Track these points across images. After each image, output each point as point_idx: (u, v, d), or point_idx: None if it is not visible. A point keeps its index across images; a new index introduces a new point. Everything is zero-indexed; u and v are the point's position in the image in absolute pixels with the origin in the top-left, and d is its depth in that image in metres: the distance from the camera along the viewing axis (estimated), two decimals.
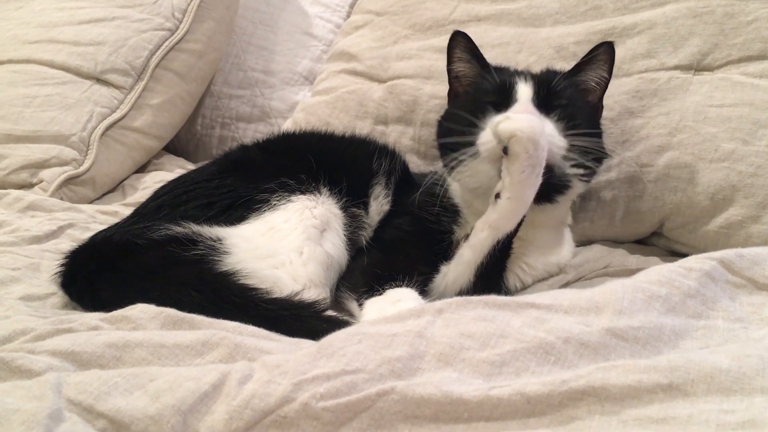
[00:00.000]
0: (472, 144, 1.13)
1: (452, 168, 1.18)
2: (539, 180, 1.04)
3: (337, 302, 1.13)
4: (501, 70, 1.24)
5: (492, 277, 1.11)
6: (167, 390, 0.66)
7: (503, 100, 1.16)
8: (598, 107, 1.25)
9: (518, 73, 1.22)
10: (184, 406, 0.65)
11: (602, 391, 0.61)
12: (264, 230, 1.08)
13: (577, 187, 1.19)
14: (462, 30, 1.29)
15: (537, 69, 1.42)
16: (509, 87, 1.17)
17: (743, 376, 0.62)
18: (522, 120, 1.02)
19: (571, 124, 1.13)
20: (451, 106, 1.31)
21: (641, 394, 0.61)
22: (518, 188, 1.04)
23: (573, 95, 1.18)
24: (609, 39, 1.39)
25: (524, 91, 1.16)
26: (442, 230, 1.20)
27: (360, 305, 1.06)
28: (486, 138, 1.11)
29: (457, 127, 1.17)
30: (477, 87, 1.24)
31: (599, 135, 1.22)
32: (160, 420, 0.63)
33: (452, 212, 1.21)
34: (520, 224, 1.08)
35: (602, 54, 1.21)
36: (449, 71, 1.30)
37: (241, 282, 0.98)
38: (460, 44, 1.27)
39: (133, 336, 0.79)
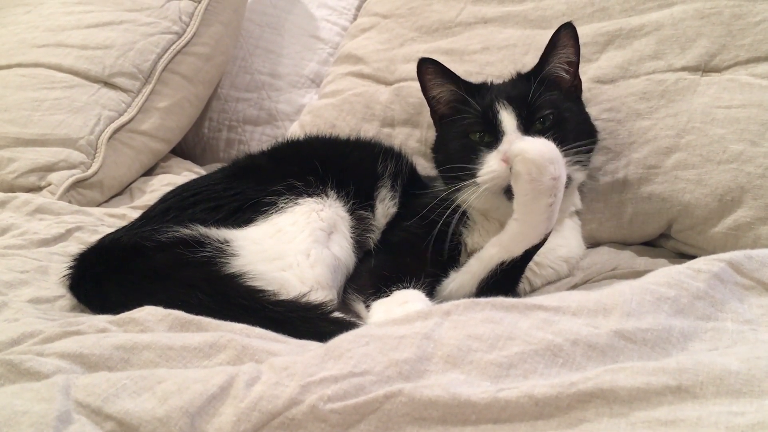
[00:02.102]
0: (472, 176, 1.16)
1: (457, 191, 1.20)
2: (554, 211, 1.04)
3: (344, 304, 1.13)
4: (479, 91, 1.25)
5: (493, 294, 1.11)
6: (175, 392, 0.66)
7: (490, 132, 1.18)
8: (576, 87, 1.28)
9: (496, 95, 1.21)
10: (192, 408, 0.65)
11: (610, 393, 0.61)
12: (271, 233, 1.08)
13: (578, 178, 1.22)
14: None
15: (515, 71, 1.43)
16: (493, 117, 1.18)
17: (753, 378, 0.62)
18: (530, 148, 1.03)
19: (561, 133, 1.14)
20: (439, 131, 1.34)
21: (650, 397, 0.61)
22: (526, 213, 1.05)
23: (552, 99, 1.20)
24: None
25: (508, 119, 1.17)
26: (451, 233, 1.20)
27: (367, 306, 1.06)
28: (485, 174, 1.14)
29: (452, 165, 1.20)
30: (459, 111, 1.25)
31: (586, 120, 1.25)
32: (168, 422, 0.63)
33: (461, 216, 1.21)
34: (535, 250, 1.08)
35: (563, 38, 1.23)
36: (427, 98, 1.33)
37: (248, 284, 0.99)
38: (429, 70, 1.30)
39: (141, 338, 0.79)
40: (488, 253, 1.10)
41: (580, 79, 1.28)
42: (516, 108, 1.17)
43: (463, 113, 1.23)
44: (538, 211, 1.04)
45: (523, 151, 1.02)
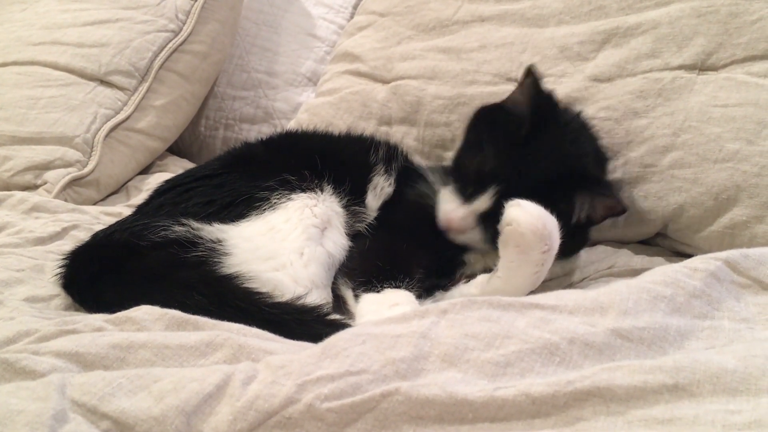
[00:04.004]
0: None
1: None
2: (540, 277, 1.02)
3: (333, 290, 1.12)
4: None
5: None
6: (171, 391, 0.66)
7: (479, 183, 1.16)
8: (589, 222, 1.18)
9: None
10: (188, 407, 0.65)
11: (607, 391, 0.61)
12: (264, 230, 1.08)
13: None
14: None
15: (540, 69, 1.43)
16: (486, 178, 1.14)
17: (749, 377, 0.62)
18: (523, 220, 0.97)
19: None
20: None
21: (647, 395, 0.61)
22: (510, 277, 1.02)
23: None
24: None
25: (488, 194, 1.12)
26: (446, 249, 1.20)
27: (356, 296, 1.06)
28: (440, 212, 1.16)
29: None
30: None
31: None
32: (164, 421, 0.63)
33: None
34: None
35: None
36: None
37: (244, 285, 0.98)
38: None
39: (137, 337, 0.79)
40: (471, 293, 1.09)
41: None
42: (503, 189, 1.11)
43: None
44: (523, 277, 1.01)
45: (516, 223, 0.97)
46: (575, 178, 1.12)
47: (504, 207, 1.00)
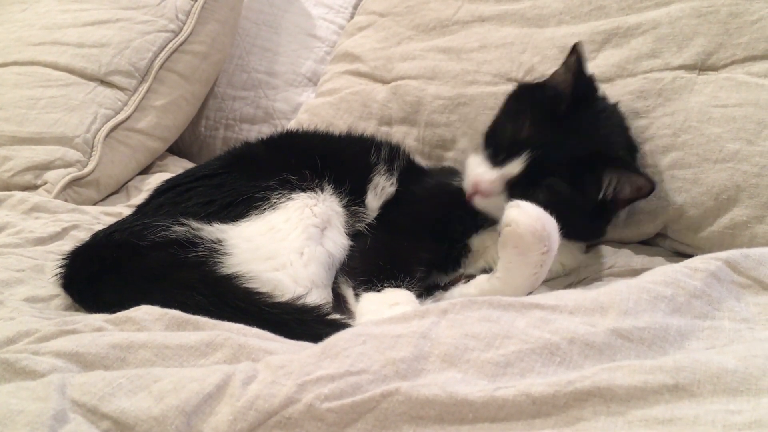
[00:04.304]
0: None
1: None
2: (539, 278, 1.02)
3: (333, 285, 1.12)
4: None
5: None
6: (171, 391, 0.66)
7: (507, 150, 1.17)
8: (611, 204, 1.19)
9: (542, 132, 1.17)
10: (188, 407, 0.65)
11: (608, 391, 0.61)
12: (264, 230, 1.08)
13: None
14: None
15: (540, 69, 1.43)
16: (517, 147, 1.15)
17: (750, 377, 0.62)
18: (522, 221, 0.97)
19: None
20: None
21: (647, 395, 0.61)
22: (509, 277, 1.02)
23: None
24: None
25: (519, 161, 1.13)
26: (454, 227, 1.20)
27: (356, 295, 1.06)
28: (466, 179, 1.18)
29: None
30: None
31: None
32: (164, 421, 0.63)
33: (472, 213, 1.19)
34: None
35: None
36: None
37: (244, 286, 0.98)
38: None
39: (137, 337, 0.79)
40: (470, 293, 1.08)
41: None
42: (536, 157, 1.11)
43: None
44: (522, 278, 1.01)
45: (515, 224, 0.97)
46: (606, 158, 1.14)
47: (539, 176, 1.03)
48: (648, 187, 1.12)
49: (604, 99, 1.25)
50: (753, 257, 0.82)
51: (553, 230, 0.99)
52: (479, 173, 1.16)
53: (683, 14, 1.33)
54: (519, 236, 0.97)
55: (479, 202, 1.17)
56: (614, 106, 1.25)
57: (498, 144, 1.17)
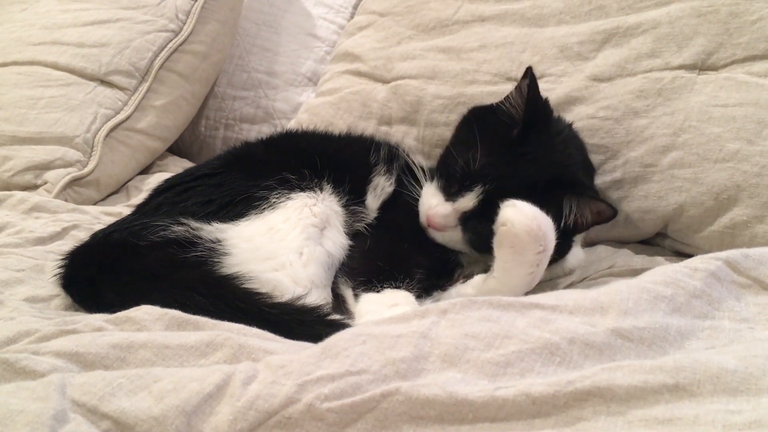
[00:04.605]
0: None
1: None
2: (536, 278, 1.01)
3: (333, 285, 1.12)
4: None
5: None
6: (171, 391, 0.66)
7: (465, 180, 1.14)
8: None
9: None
10: (188, 407, 0.65)
11: (608, 391, 0.61)
12: (263, 230, 1.08)
13: None
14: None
15: (540, 69, 1.43)
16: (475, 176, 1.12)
17: (750, 377, 0.62)
18: (518, 220, 0.97)
19: None
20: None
21: (647, 395, 0.61)
22: (505, 277, 1.01)
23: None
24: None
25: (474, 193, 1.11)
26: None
27: (356, 295, 1.06)
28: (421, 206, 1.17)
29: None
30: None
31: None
32: (164, 421, 0.63)
33: None
34: None
35: None
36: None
37: (245, 286, 0.98)
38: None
39: (137, 337, 0.79)
40: (468, 292, 1.08)
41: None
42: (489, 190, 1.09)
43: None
44: (518, 278, 1.00)
45: (511, 223, 0.96)
46: (563, 183, 1.12)
47: (493, 207, 1.00)
48: (609, 213, 1.10)
49: (559, 120, 1.23)
50: (753, 257, 0.82)
51: (549, 230, 0.98)
52: (432, 205, 1.15)
53: (683, 14, 1.33)
54: (515, 236, 0.97)
55: (434, 235, 1.16)
56: (569, 126, 1.23)
57: (450, 175, 1.15)
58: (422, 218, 1.17)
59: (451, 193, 1.14)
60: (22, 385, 0.69)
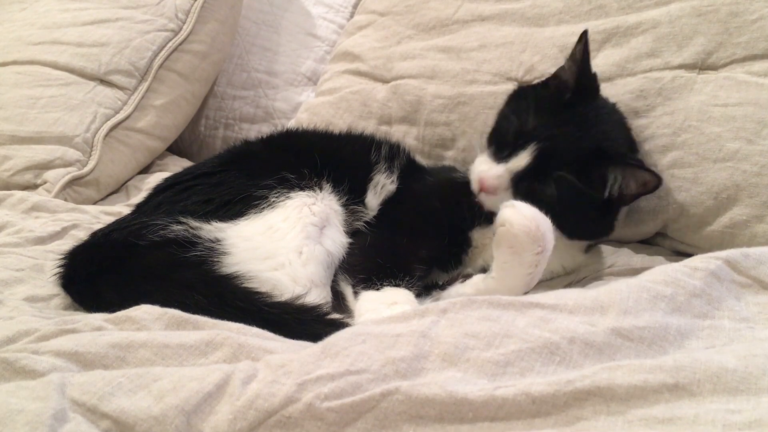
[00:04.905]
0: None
1: None
2: (534, 278, 1.01)
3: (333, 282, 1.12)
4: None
5: None
6: (171, 390, 0.66)
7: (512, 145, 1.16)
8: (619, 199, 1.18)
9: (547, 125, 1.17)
10: (187, 406, 0.65)
11: (608, 391, 0.61)
12: (262, 230, 1.08)
13: None
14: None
15: (540, 69, 1.43)
16: (522, 140, 1.14)
17: (750, 376, 0.62)
18: (516, 221, 0.97)
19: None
20: None
21: (647, 394, 0.61)
22: (504, 277, 1.02)
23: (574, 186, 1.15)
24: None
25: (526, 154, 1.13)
26: (456, 219, 1.19)
27: (355, 293, 1.06)
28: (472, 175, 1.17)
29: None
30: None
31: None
32: (164, 420, 0.63)
33: (474, 208, 1.18)
34: None
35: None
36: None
37: (244, 285, 0.98)
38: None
39: (137, 336, 0.79)
40: (467, 292, 1.08)
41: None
42: (542, 148, 1.10)
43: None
44: (517, 278, 1.00)
45: (509, 224, 0.97)
46: (609, 153, 1.13)
47: (546, 170, 1.02)
48: (654, 182, 1.11)
49: (605, 99, 1.25)
50: (753, 256, 0.82)
51: (548, 230, 0.98)
52: (483, 170, 1.16)
53: (683, 13, 1.33)
54: (513, 236, 0.97)
55: (485, 200, 1.16)
56: (614, 105, 1.25)
57: (502, 140, 1.17)
58: (474, 184, 1.17)
59: (502, 156, 1.15)
60: (22, 385, 0.69)
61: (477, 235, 1.19)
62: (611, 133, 1.17)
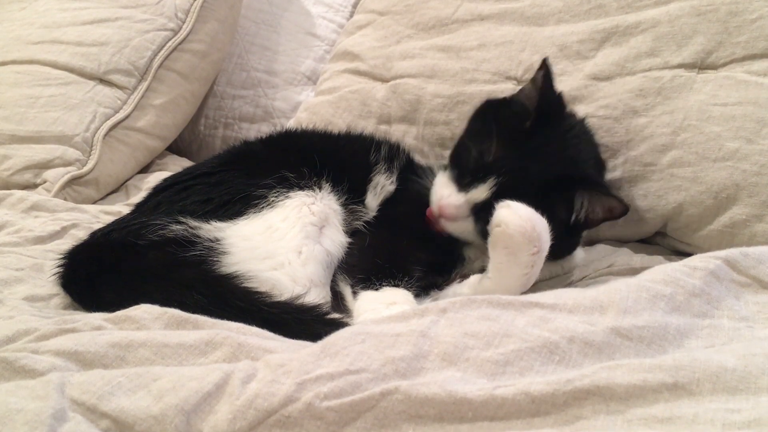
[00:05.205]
0: None
1: None
2: (531, 279, 1.01)
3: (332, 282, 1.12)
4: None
5: None
6: (170, 390, 0.66)
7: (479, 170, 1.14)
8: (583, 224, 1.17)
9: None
10: (187, 405, 0.64)
11: (607, 390, 0.61)
12: (262, 229, 1.08)
13: None
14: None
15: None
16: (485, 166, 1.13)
17: (749, 375, 0.62)
18: (512, 221, 0.97)
19: None
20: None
21: (646, 394, 0.61)
22: (500, 278, 1.01)
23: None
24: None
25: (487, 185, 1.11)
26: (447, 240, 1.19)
27: (354, 293, 1.06)
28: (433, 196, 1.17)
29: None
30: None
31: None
32: (163, 420, 0.63)
33: None
34: None
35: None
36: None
37: (244, 285, 0.98)
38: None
39: (136, 336, 0.79)
40: (464, 292, 1.08)
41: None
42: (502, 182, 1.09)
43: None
44: (513, 278, 1.00)
45: (505, 224, 0.96)
46: (575, 178, 1.12)
47: (506, 198, 0.99)
48: (620, 209, 1.10)
49: (572, 115, 1.24)
50: (752, 256, 0.82)
51: (544, 231, 0.98)
52: (444, 195, 1.15)
53: (683, 13, 1.33)
54: (509, 237, 0.97)
55: (446, 225, 1.16)
56: (581, 122, 1.24)
57: (463, 166, 1.15)
58: (434, 208, 1.17)
59: (463, 184, 1.13)
60: (21, 384, 0.69)
61: (469, 251, 1.20)
62: (577, 157, 1.16)
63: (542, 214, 1.00)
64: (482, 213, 1.11)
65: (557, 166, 1.11)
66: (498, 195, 1.08)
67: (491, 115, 1.20)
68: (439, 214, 1.15)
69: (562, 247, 1.09)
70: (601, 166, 1.24)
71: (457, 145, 1.24)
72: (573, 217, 1.10)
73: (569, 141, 1.16)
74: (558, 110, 1.18)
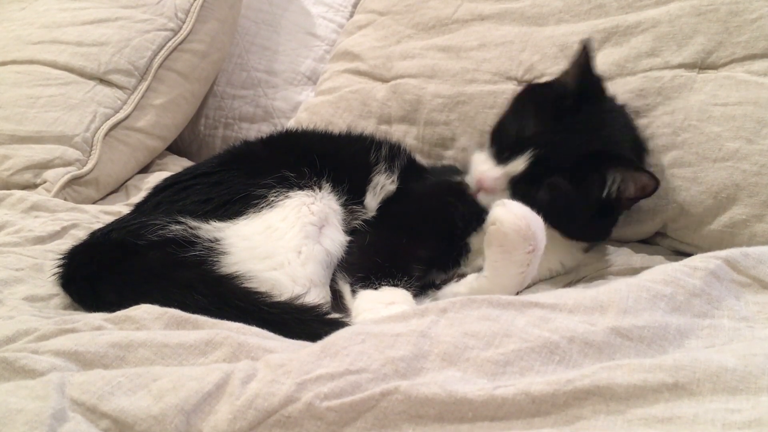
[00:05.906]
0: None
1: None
2: (526, 278, 1.02)
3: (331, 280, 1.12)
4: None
5: None
6: (170, 390, 0.66)
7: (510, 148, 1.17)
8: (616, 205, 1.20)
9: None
10: (187, 405, 0.64)
11: (607, 390, 0.61)
12: (261, 229, 1.08)
13: None
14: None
15: (540, 68, 1.43)
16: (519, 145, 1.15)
17: (749, 375, 0.62)
18: (506, 219, 0.98)
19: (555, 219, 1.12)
20: None
21: (646, 394, 0.61)
22: (496, 276, 1.02)
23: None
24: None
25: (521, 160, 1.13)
26: (455, 224, 1.19)
27: (353, 291, 1.06)
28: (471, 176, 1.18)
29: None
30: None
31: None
32: (163, 420, 0.63)
33: (474, 210, 1.18)
34: None
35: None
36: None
37: (243, 285, 0.98)
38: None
39: (136, 336, 0.79)
40: (461, 291, 1.09)
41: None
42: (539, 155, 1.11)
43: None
44: (508, 277, 1.01)
45: (500, 222, 0.97)
46: (610, 155, 1.13)
47: (543, 174, 1.04)
48: (652, 186, 1.12)
49: (612, 99, 1.25)
50: (752, 256, 0.82)
51: (539, 229, 0.99)
52: (483, 170, 1.17)
53: (683, 13, 1.33)
54: (504, 235, 0.97)
55: (483, 198, 1.17)
56: (622, 107, 1.26)
57: (503, 142, 1.18)
58: (472, 182, 1.19)
59: (502, 158, 1.16)
60: (21, 384, 0.69)
61: (476, 240, 1.19)
62: (613, 136, 1.18)
63: (576, 188, 1.05)
64: (519, 186, 1.13)
65: (593, 143, 1.13)
66: (535, 168, 1.11)
67: (533, 97, 1.24)
68: (477, 186, 1.17)
69: (596, 227, 1.11)
70: (640, 148, 1.25)
71: (498, 123, 1.26)
72: (605, 193, 1.11)
73: (606, 120, 1.18)
74: (597, 91, 1.21)
